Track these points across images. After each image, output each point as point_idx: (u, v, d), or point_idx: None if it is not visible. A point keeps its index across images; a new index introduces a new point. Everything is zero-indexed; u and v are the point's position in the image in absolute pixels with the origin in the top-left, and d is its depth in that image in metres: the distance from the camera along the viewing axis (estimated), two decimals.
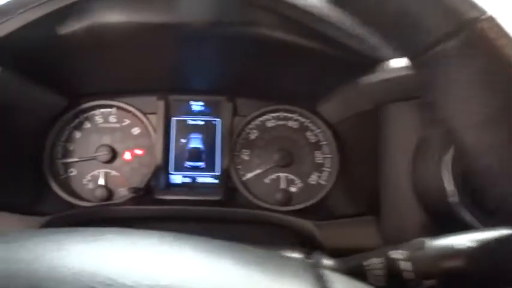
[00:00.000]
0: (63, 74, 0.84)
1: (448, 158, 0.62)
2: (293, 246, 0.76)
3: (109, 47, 0.76)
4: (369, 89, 0.72)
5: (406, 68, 0.66)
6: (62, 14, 0.67)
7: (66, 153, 0.94)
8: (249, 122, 0.96)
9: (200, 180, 0.95)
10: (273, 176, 0.95)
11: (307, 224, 0.75)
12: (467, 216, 0.59)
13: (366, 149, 0.83)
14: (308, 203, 0.92)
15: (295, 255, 0.56)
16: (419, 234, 0.69)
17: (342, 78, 0.78)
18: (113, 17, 0.69)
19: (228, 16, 0.70)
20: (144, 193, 0.88)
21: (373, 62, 0.71)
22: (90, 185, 0.93)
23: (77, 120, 0.95)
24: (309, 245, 0.75)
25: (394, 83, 0.68)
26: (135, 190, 0.86)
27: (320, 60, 0.76)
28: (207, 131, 0.96)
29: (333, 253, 0.54)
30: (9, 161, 0.82)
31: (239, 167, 0.95)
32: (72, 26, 0.70)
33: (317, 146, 0.95)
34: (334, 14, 0.68)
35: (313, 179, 0.95)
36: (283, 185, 0.94)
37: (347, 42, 0.69)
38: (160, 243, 0.28)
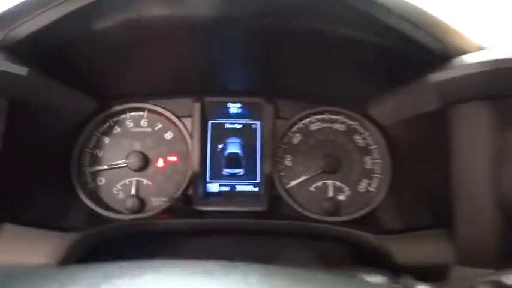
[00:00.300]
0: (92, 74, 0.77)
1: None
2: (354, 263, 0.68)
3: (144, 44, 0.70)
4: (439, 87, 0.65)
5: (481, 64, 0.58)
6: (97, 9, 0.61)
7: (95, 161, 0.87)
8: (291, 126, 0.89)
9: (239, 188, 0.88)
10: (319, 183, 0.87)
11: (370, 238, 0.67)
12: None
13: (427, 153, 0.75)
14: (359, 213, 0.84)
15: (377, 278, 0.48)
16: (501, 249, 0.62)
17: (402, 76, 0.71)
18: (156, 9, 0.62)
19: (275, 7, 0.62)
20: (182, 204, 0.80)
21: (443, 58, 0.64)
22: (121, 195, 0.86)
23: (106, 125, 0.88)
24: (370, 261, 0.67)
25: (469, 81, 0.60)
26: (175, 200, 0.79)
27: (378, 56, 0.68)
28: (246, 135, 0.89)
29: (404, 270, 0.47)
30: (36, 169, 0.75)
31: (282, 173, 0.87)
32: (108, 21, 0.63)
33: (366, 150, 0.88)
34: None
35: (362, 186, 0.87)
36: (330, 193, 0.86)
37: (412, 34, 0.61)
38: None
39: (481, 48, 0.65)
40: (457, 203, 0.65)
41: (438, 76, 0.64)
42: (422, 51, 0.63)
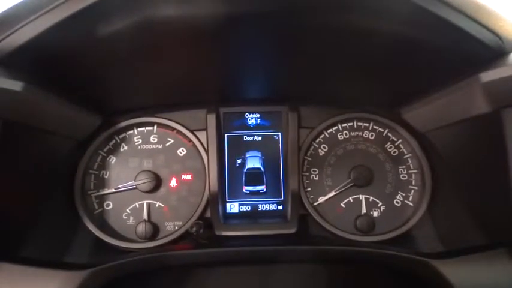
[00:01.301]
0: (95, 86, 0.69)
1: None
2: None
3: (153, 50, 0.61)
4: (492, 87, 0.56)
5: None
6: (100, 10, 0.52)
7: (101, 184, 0.78)
8: (317, 135, 0.80)
9: (262, 207, 0.79)
10: (350, 199, 0.78)
11: (424, 262, 0.58)
12: None
13: (474, 162, 0.67)
14: (397, 231, 0.76)
15: None
16: None
17: (445, 77, 0.63)
18: (167, 9, 0.54)
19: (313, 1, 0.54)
20: (202, 229, 0.72)
21: (498, 53, 0.56)
22: (131, 221, 0.77)
23: (111, 143, 0.80)
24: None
25: None
26: (200, 226, 0.70)
27: (421, 54, 0.60)
28: (267, 147, 0.81)
29: None
30: (35, 197, 0.66)
31: (308, 189, 0.79)
32: (113, 25, 0.55)
33: (401, 159, 0.79)
34: None
35: (398, 200, 0.78)
36: (364, 209, 0.77)
37: (466, 27, 0.54)
38: None
39: None
40: None
41: (491, 75, 0.56)
42: (475, 46, 0.55)
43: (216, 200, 0.75)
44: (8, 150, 0.57)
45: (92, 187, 0.78)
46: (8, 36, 0.53)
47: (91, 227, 0.75)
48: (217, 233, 0.72)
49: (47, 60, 0.58)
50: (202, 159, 0.79)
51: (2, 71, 0.54)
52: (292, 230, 0.73)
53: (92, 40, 0.56)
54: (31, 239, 0.64)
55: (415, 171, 0.79)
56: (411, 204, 0.78)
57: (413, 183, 0.79)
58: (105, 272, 0.59)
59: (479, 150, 0.65)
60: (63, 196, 0.75)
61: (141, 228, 0.75)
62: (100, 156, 0.79)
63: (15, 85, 0.56)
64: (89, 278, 0.57)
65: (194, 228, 0.71)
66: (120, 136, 0.80)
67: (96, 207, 0.77)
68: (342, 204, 0.78)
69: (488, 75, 0.56)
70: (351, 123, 0.81)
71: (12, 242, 0.59)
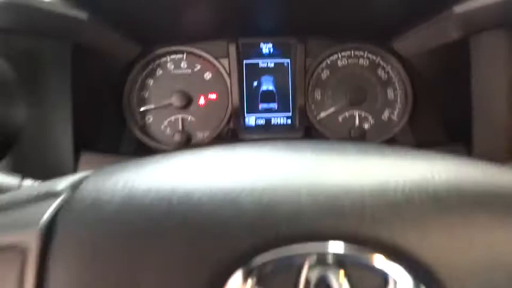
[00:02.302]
0: (137, 20, 0.84)
1: None
2: None
3: None
4: (462, 17, 0.72)
5: None
6: None
7: (142, 101, 0.95)
8: (320, 62, 0.96)
9: (274, 121, 0.97)
10: (346, 114, 0.96)
11: None
12: None
13: (447, 81, 0.84)
14: (381, 138, 0.94)
15: None
16: None
17: (428, 10, 0.78)
18: None
19: None
20: (226, 134, 0.90)
21: None
22: (168, 131, 0.95)
23: (149, 68, 0.96)
24: None
25: (491, 10, 0.68)
26: (220, 131, 0.89)
27: None
28: (278, 72, 0.97)
29: None
30: (96, 107, 0.84)
31: (312, 106, 0.96)
32: None
33: (389, 83, 0.96)
34: None
35: (385, 115, 0.96)
36: (356, 123, 0.95)
37: None
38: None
39: None
40: (475, 120, 0.74)
41: (463, 7, 0.71)
42: None
43: (238, 113, 0.93)
44: (78, 68, 0.74)
45: (135, 104, 0.95)
46: None
47: (138, 134, 0.93)
48: (241, 137, 0.90)
49: None
50: (225, 82, 0.95)
51: (71, 3, 0.69)
52: (299, 135, 0.91)
53: None
54: (98, 137, 0.82)
55: (400, 92, 0.96)
56: (396, 118, 0.96)
57: (398, 101, 0.96)
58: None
59: (452, 71, 0.82)
60: (114, 109, 0.92)
61: (177, 136, 0.93)
62: (140, 79, 0.95)
63: (82, 15, 0.71)
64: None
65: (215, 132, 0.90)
66: (156, 62, 0.96)
67: (139, 120, 0.95)
68: (339, 119, 0.96)
69: (460, 8, 0.72)
70: (349, 52, 0.97)
71: (88, 138, 0.77)
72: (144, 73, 0.96)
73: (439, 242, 0.24)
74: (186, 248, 0.24)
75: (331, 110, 0.95)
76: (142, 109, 0.95)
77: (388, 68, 0.96)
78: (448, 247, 0.24)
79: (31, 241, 0.25)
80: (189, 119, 0.95)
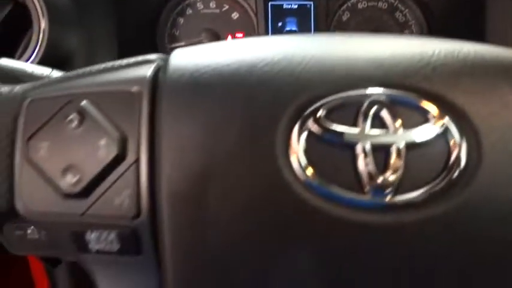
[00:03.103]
0: None
1: None
2: None
3: None
4: None
5: None
6: None
7: (174, 39, 1.02)
8: (341, 5, 1.02)
9: None
10: None
11: None
12: None
13: (462, 22, 0.90)
14: None
15: None
16: None
17: None
18: None
19: None
20: None
21: None
22: None
23: (179, 7, 1.02)
24: None
25: None
26: None
27: None
28: (302, 14, 1.03)
29: None
30: (133, 43, 0.91)
31: None
32: None
33: (406, 25, 1.02)
34: None
35: None
36: None
37: None
38: None
39: None
40: None
41: None
42: None
43: None
44: (119, 5, 0.80)
45: (167, 41, 1.02)
46: None
47: None
48: None
49: None
50: (252, 21, 1.01)
51: None
52: None
53: None
54: None
55: (416, 34, 1.02)
56: None
57: None
58: None
59: (466, 13, 0.88)
60: (150, 47, 0.99)
61: None
62: (172, 18, 1.02)
63: None
64: None
65: None
66: (186, 2, 1.02)
67: None
68: None
69: None
70: None
71: None
72: (175, 12, 1.01)
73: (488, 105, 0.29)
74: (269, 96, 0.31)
75: None
76: (173, 46, 1.01)
77: (406, 11, 1.01)
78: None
79: (143, 88, 0.33)
80: None
